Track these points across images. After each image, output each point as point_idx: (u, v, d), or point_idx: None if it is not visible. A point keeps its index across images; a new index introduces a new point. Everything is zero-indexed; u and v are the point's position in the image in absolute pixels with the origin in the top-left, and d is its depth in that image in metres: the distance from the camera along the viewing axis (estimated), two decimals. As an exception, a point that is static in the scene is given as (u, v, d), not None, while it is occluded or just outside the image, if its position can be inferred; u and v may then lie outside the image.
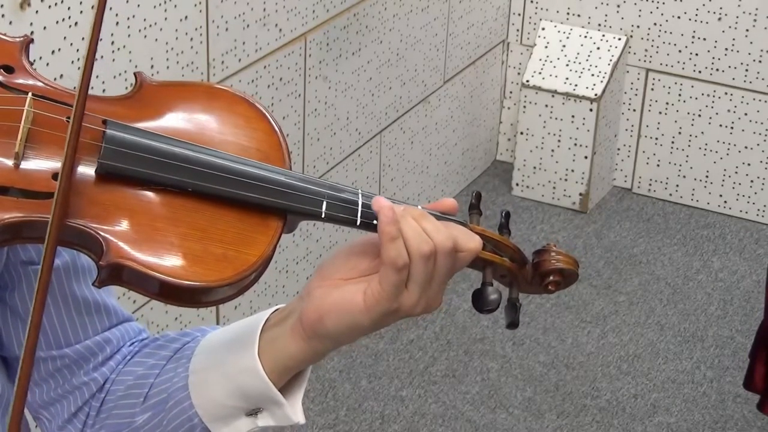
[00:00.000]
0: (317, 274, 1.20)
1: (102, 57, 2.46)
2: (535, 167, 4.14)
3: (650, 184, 4.23)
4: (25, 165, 1.09)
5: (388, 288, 1.14)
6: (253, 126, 1.19)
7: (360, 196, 1.17)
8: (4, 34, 1.19)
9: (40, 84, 1.15)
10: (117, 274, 1.09)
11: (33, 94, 1.12)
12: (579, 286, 3.66)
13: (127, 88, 2.55)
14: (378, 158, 3.62)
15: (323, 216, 1.15)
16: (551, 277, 1.24)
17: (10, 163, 1.09)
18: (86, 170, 1.10)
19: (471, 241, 1.17)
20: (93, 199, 1.10)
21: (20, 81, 1.15)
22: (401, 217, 1.14)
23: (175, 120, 1.17)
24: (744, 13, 3.89)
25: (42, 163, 1.09)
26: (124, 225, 1.10)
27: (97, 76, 2.45)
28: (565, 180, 4.11)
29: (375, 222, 1.16)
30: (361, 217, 1.16)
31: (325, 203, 1.15)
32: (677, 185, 4.19)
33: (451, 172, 4.09)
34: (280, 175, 1.15)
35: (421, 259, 1.14)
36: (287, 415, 1.21)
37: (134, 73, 1.20)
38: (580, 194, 4.11)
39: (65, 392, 1.30)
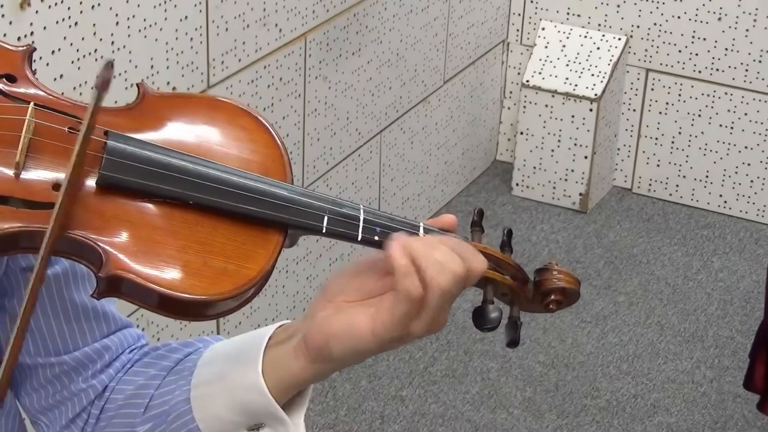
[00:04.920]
0: (321, 294, 1.19)
1: (102, 57, 2.46)
2: (535, 167, 4.14)
3: (650, 184, 4.23)
4: (26, 175, 1.09)
5: (400, 317, 1.14)
6: (255, 139, 1.18)
7: (362, 211, 1.16)
8: (8, 43, 1.18)
9: (42, 94, 1.14)
10: (116, 286, 1.09)
11: (35, 104, 1.11)
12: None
13: (127, 88, 2.55)
14: (378, 158, 3.62)
15: (324, 231, 1.14)
16: (553, 296, 1.23)
17: (10, 172, 1.08)
18: (87, 181, 1.10)
19: (477, 263, 1.17)
20: (93, 210, 1.09)
21: (22, 90, 1.14)
22: (418, 252, 1.13)
23: (176, 132, 1.16)
24: (744, 13, 3.89)
25: (42, 174, 1.09)
26: (123, 237, 1.09)
27: (97, 76, 2.44)
28: (565, 180, 4.11)
29: (376, 238, 1.15)
30: (362, 233, 1.15)
31: (326, 218, 1.15)
32: (677, 185, 4.19)
33: (451, 172, 4.09)
34: (281, 189, 1.15)
35: (440, 292, 1.13)
36: None
37: (136, 84, 1.19)
38: (580, 194, 4.11)
39: (63, 398, 1.29)
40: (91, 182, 1.10)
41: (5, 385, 1.04)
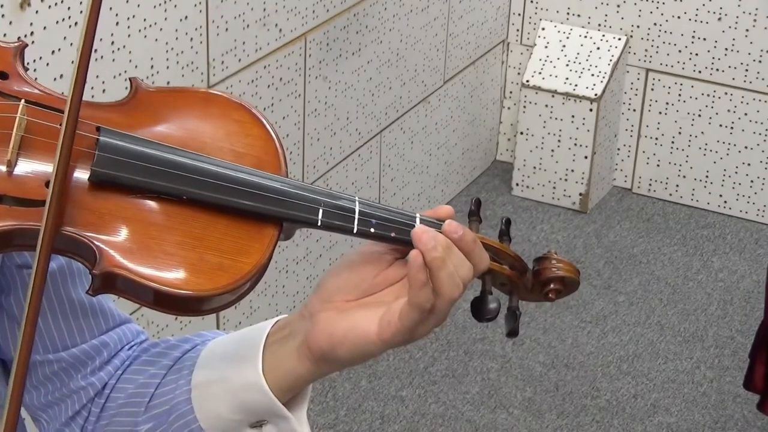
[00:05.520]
0: (319, 293, 1.19)
1: (102, 57, 2.46)
2: (535, 167, 4.14)
3: (650, 184, 4.23)
4: (18, 173, 1.08)
5: (409, 325, 1.14)
6: (249, 132, 1.18)
7: (357, 203, 1.15)
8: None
9: (34, 91, 1.14)
10: (110, 282, 1.08)
11: (26, 101, 1.11)
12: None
13: (126, 88, 2.55)
14: (378, 158, 3.62)
15: (319, 224, 1.14)
16: (552, 285, 1.23)
17: (2, 170, 1.08)
18: (80, 178, 1.10)
19: (483, 262, 1.17)
20: (86, 206, 1.09)
21: (14, 87, 1.13)
22: (435, 263, 1.13)
23: (170, 127, 1.16)
24: (744, 13, 3.89)
25: (34, 171, 1.09)
26: (117, 233, 1.09)
27: (97, 76, 2.45)
28: (565, 180, 4.11)
29: (372, 230, 1.15)
30: (358, 225, 1.15)
31: (321, 211, 1.14)
32: (677, 185, 4.19)
33: (451, 172, 4.09)
34: (276, 182, 1.14)
35: (451, 301, 1.14)
36: (293, 428, 1.21)
37: (129, 79, 1.19)
38: (580, 194, 4.11)
39: (63, 396, 1.29)
40: (84, 179, 1.10)
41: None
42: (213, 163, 1.13)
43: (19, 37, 2.23)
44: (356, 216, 1.15)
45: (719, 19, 3.93)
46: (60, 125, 1.07)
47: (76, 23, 2.35)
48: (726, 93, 4.01)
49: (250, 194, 1.13)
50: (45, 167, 1.09)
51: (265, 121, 1.19)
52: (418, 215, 1.17)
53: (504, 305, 1.20)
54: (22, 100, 1.11)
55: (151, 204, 1.11)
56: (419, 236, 1.14)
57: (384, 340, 1.15)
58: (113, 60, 2.49)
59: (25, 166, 1.09)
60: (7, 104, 1.11)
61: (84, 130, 1.10)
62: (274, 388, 1.19)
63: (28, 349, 1.03)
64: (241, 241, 1.12)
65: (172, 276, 1.09)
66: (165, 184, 1.11)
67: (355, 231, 1.15)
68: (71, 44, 2.36)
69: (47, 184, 1.07)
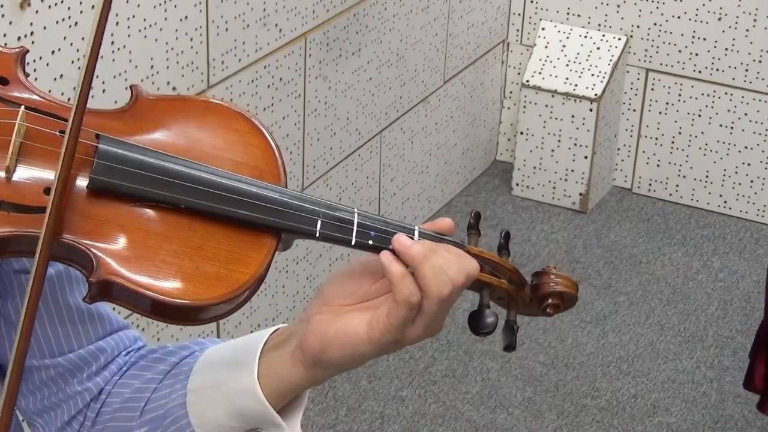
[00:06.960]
0: (317, 298, 1.19)
1: (102, 57, 2.45)
2: (535, 167, 4.14)
3: (650, 184, 4.23)
4: (17, 179, 1.08)
5: (397, 323, 1.14)
6: (249, 142, 1.18)
7: (356, 215, 1.15)
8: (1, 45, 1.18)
9: (34, 97, 1.14)
10: (107, 290, 1.08)
11: (26, 107, 1.11)
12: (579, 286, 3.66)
13: (126, 88, 2.55)
14: (378, 158, 3.62)
15: (318, 235, 1.14)
16: (550, 300, 1.23)
17: (1, 176, 1.08)
18: (78, 185, 1.10)
19: (471, 267, 1.16)
20: (85, 214, 1.09)
21: (14, 93, 1.13)
22: (416, 258, 1.13)
23: (169, 135, 1.16)
24: (744, 13, 3.89)
25: (33, 177, 1.09)
26: (115, 241, 1.09)
27: (97, 76, 2.44)
28: (565, 180, 4.11)
29: (371, 242, 1.15)
30: (356, 237, 1.15)
31: (319, 222, 1.14)
32: (677, 185, 4.19)
33: (451, 172, 4.09)
34: (275, 192, 1.14)
35: (438, 298, 1.13)
36: None
37: (130, 87, 1.19)
38: (580, 194, 4.11)
39: (59, 401, 1.29)
40: (82, 186, 1.10)
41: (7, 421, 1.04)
42: (212, 173, 1.13)
43: (19, 38, 2.23)
44: (354, 228, 1.15)
45: (719, 19, 3.93)
46: (60, 133, 1.07)
47: (76, 23, 2.35)
48: (726, 93, 4.00)
49: (249, 204, 1.13)
50: (44, 174, 1.09)
51: (265, 131, 1.19)
52: (416, 228, 1.17)
53: (501, 319, 1.20)
54: (22, 107, 1.11)
55: (150, 212, 1.11)
56: (396, 237, 1.15)
57: (372, 339, 1.15)
58: (113, 60, 2.49)
59: (23, 173, 1.09)
60: (7, 110, 1.11)
61: (84, 138, 1.10)
62: (269, 395, 1.19)
63: (23, 351, 1.03)
64: (239, 251, 1.12)
65: (169, 285, 1.09)
66: (163, 193, 1.11)
67: (353, 243, 1.15)
68: (71, 44, 2.36)
69: (46, 191, 1.07)
